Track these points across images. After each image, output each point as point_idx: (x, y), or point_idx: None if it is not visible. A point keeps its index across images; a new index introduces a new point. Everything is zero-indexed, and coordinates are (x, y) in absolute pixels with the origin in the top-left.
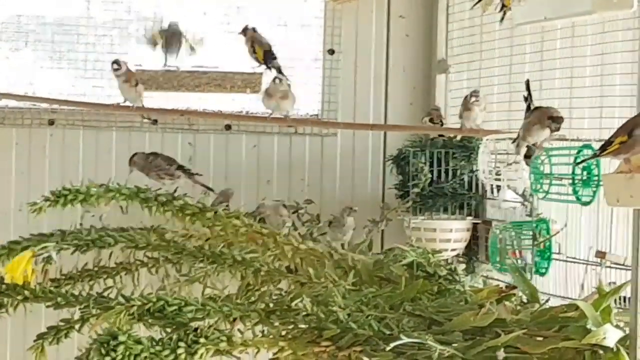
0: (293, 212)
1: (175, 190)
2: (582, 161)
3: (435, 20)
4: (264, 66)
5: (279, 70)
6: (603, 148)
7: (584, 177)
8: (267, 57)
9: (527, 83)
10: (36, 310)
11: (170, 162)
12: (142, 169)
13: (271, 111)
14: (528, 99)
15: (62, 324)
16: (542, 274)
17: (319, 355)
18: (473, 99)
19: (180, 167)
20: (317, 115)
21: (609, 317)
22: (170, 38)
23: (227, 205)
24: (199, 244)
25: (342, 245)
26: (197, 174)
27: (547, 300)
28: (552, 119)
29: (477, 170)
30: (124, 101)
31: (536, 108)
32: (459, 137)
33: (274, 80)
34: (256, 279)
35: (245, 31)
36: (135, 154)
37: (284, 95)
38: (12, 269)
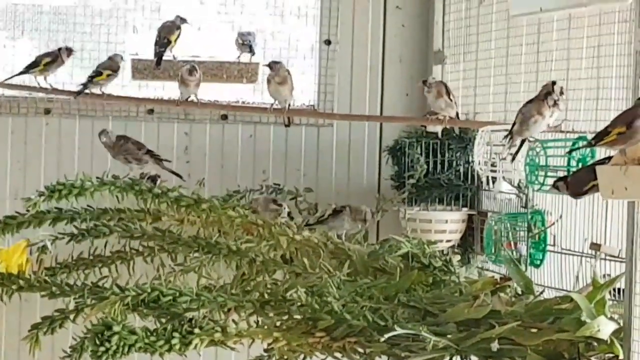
0: (291, 199)
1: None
2: (576, 149)
3: (431, 11)
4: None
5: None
6: (599, 138)
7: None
8: None
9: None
10: (31, 300)
11: (140, 146)
12: (110, 150)
13: (274, 100)
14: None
15: (56, 314)
16: (537, 266)
17: (313, 346)
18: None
19: (149, 152)
20: (313, 106)
21: (603, 309)
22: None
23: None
24: (194, 234)
25: (338, 236)
26: (165, 159)
27: (541, 292)
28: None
29: (472, 161)
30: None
31: (529, 101)
32: (457, 129)
33: (269, 65)
34: (251, 269)
35: None
36: (104, 130)
37: (282, 80)
38: (7, 257)
